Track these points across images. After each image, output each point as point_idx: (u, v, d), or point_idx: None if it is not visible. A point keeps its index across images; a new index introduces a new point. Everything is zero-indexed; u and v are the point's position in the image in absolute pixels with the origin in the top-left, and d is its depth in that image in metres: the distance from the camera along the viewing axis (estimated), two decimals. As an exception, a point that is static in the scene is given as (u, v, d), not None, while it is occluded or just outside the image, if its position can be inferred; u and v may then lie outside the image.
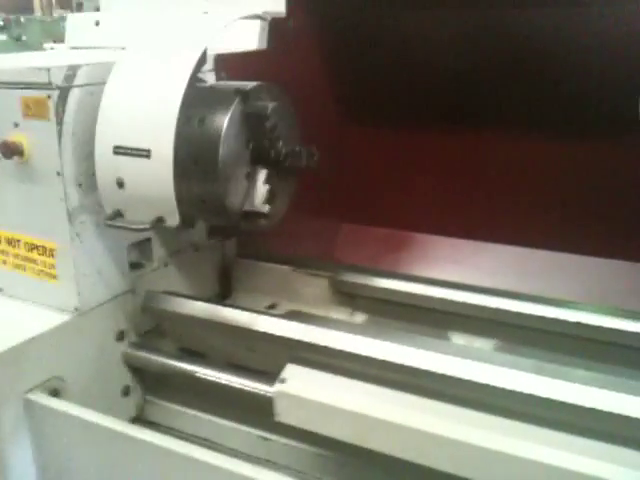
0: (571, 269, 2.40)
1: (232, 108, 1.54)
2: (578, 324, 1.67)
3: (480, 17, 2.22)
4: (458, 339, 1.84)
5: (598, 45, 2.08)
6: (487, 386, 1.35)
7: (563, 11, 2.09)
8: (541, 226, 2.44)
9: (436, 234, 2.67)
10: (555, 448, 1.26)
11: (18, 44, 12.49)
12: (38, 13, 18.08)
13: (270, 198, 1.65)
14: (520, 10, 2.15)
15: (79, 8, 12.65)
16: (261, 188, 1.64)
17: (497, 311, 1.75)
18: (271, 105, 1.57)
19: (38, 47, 11.32)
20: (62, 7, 15.32)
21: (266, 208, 1.64)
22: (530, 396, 1.30)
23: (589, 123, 2.23)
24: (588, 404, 1.26)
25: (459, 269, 2.50)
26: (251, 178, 1.64)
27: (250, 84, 1.58)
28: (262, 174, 1.64)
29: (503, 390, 1.33)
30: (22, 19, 12.95)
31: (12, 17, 12.95)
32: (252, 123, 1.58)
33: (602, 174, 2.33)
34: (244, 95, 1.55)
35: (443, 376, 1.40)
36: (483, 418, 1.36)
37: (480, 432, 1.32)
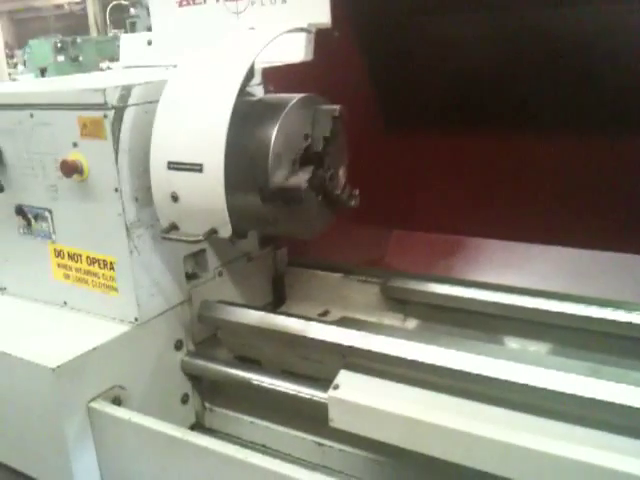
0: (625, 269, 2.34)
1: (280, 120, 1.57)
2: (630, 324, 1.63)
3: (514, 18, 2.21)
4: (512, 343, 1.82)
5: (623, 45, 2.04)
6: (541, 390, 1.34)
7: (597, 9, 2.07)
8: (593, 227, 2.39)
9: (486, 237, 2.65)
10: (615, 452, 1.24)
11: (75, 64, 12.94)
12: (94, 34, 18.70)
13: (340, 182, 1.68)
14: (546, 10, 2.14)
15: (132, 27, 13.06)
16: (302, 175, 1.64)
17: (550, 314, 1.73)
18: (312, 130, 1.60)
19: (94, 66, 11.71)
20: (116, 27, 15.80)
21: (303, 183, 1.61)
22: (587, 399, 1.28)
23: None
24: (647, 407, 1.24)
25: (511, 272, 2.47)
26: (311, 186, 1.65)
27: (291, 100, 1.60)
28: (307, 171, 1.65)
29: (558, 393, 1.32)
30: (78, 40, 13.42)
31: (69, 38, 13.43)
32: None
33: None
34: (281, 125, 1.57)
35: (496, 380, 1.40)
36: (537, 422, 1.35)
37: (534, 436, 1.31)
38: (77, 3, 21.43)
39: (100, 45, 13.41)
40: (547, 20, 2.20)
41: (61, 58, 13.06)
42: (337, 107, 1.62)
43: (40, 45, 13.51)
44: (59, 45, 13.04)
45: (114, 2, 15.43)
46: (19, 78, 12.87)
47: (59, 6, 22.37)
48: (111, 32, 15.21)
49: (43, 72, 12.71)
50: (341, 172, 1.72)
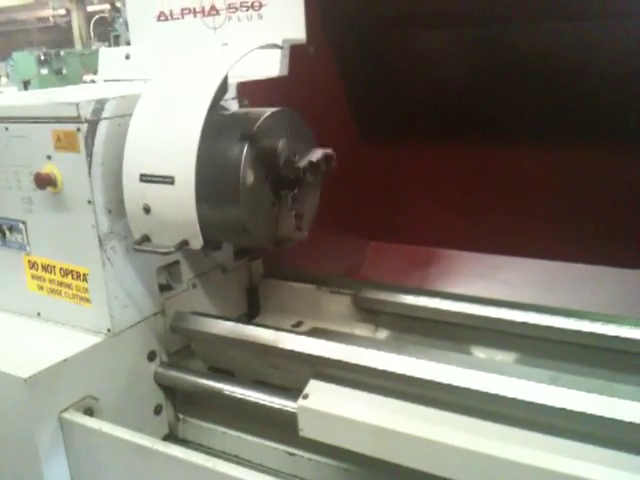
0: (595, 280, 2.39)
1: (252, 134, 1.60)
2: (593, 334, 1.68)
3: (492, 34, 2.26)
4: (480, 353, 1.86)
5: (613, 57, 2.10)
6: (504, 397, 1.37)
7: (575, 25, 2.12)
8: (565, 238, 2.44)
9: (461, 249, 2.70)
10: (575, 458, 1.28)
11: (59, 77, 12.93)
12: (78, 46, 18.70)
13: (298, 221, 1.71)
14: (533, 25, 2.19)
15: (116, 41, 13.09)
16: (289, 217, 1.70)
17: (516, 324, 1.76)
18: (280, 143, 1.59)
19: (78, 79, 11.71)
20: (100, 40, 15.82)
21: (297, 235, 1.70)
22: (545, 407, 1.32)
23: (620, 134, 2.24)
24: (605, 414, 1.27)
25: (485, 284, 2.51)
26: (277, 205, 1.70)
27: (263, 114, 1.63)
28: (288, 201, 1.69)
29: (520, 401, 1.35)
30: (62, 53, 13.42)
31: (52, 51, 13.43)
32: (265, 161, 1.62)
33: (631, 185, 2.33)
34: (251, 138, 1.59)
35: (463, 389, 1.42)
36: (503, 430, 1.38)
37: (500, 444, 1.34)
38: (62, 16, 21.43)
39: (84, 58, 13.41)
40: (528, 35, 2.26)
41: (45, 71, 13.05)
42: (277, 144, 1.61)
43: (24, 58, 13.49)
44: (43, 58, 13.03)
45: (98, 15, 15.47)
46: (2, 90, 12.83)
47: (43, 19, 22.36)
48: (95, 45, 15.22)
49: (26, 85, 12.69)
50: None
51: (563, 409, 1.30)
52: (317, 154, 1.69)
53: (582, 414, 1.28)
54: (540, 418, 1.34)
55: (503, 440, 1.35)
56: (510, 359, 1.81)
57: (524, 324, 1.75)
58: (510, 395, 1.35)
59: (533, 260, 2.57)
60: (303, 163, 1.66)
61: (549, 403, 1.32)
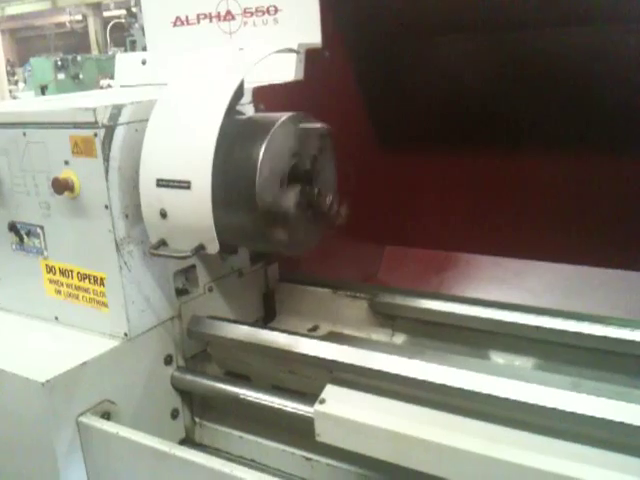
0: (617, 285, 2.37)
1: (268, 138, 1.59)
2: (615, 340, 1.65)
3: (509, 40, 2.25)
4: (498, 358, 1.84)
5: (620, 64, 2.08)
6: (524, 403, 1.35)
7: (593, 30, 2.10)
8: (585, 243, 2.42)
9: (479, 253, 2.68)
10: (598, 467, 1.26)
11: (75, 82, 13.06)
12: (95, 52, 18.88)
13: (328, 200, 1.70)
14: (550, 31, 2.17)
15: (132, 46, 13.19)
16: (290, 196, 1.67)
17: (533, 328, 1.75)
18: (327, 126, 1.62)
19: (94, 84, 11.81)
20: (117, 45, 15.95)
21: (337, 212, 1.69)
22: (569, 413, 1.30)
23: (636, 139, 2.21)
24: (626, 420, 1.26)
25: (503, 288, 2.50)
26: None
27: (279, 119, 1.62)
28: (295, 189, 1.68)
29: (540, 407, 1.33)
30: (79, 58, 13.56)
31: (69, 56, 13.56)
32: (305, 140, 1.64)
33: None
34: (268, 143, 1.58)
35: (481, 395, 1.41)
36: (523, 437, 1.36)
37: (521, 452, 1.33)
38: (78, 22, 21.64)
39: (100, 63, 13.54)
40: (543, 40, 2.24)
41: (61, 76, 13.18)
42: (323, 125, 1.65)
43: (41, 63, 13.65)
44: (59, 63, 13.16)
45: (114, 20, 15.59)
46: (19, 95, 12.98)
47: (60, 24, 22.58)
48: (111, 50, 15.35)
49: (43, 90, 12.82)
50: (329, 189, 1.75)
51: (588, 416, 1.28)
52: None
53: (606, 421, 1.26)
54: (563, 425, 1.32)
55: (524, 447, 1.33)
56: (529, 364, 1.79)
57: (543, 329, 1.73)
58: (532, 402, 1.33)
59: (552, 265, 2.55)
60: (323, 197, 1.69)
61: (573, 410, 1.30)
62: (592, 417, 1.28)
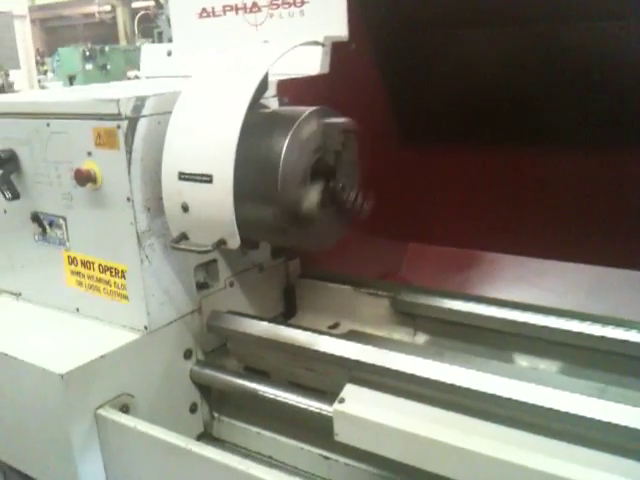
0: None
1: (291, 132, 1.57)
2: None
3: (536, 33, 2.20)
4: (522, 361, 1.80)
5: None
6: (547, 409, 1.32)
7: (622, 25, 2.05)
8: (611, 243, 2.36)
9: (502, 252, 2.63)
10: (622, 475, 1.22)
11: (103, 73, 13.16)
12: (123, 42, 19.02)
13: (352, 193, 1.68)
14: (579, 24, 2.12)
15: (160, 37, 13.25)
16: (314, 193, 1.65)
17: (560, 332, 1.71)
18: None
19: (122, 75, 11.89)
20: (144, 36, 16.04)
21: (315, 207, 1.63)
22: (591, 420, 1.27)
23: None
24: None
25: (527, 289, 2.45)
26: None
27: (302, 113, 1.59)
28: (318, 185, 1.66)
29: (563, 413, 1.30)
30: (106, 48, 13.66)
31: (97, 47, 13.67)
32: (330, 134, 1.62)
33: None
34: (291, 137, 1.56)
35: (502, 399, 1.38)
36: (546, 444, 1.33)
37: (544, 458, 1.29)
38: (107, 12, 21.80)
39: (128, 54, 13.62)
40: (566, 35, 2.19)
41: (89, 66, 13.29)
42: (347, 120, 1.62)
43: (69, 53, 13.77)
44: (88, 53, 13.27)
45: (142, 11, 15.67)
46: (48, 85, 13.11)
47: (89, 15, 22.76)
48: (139, 41, 15.44)
49: (72, 80, 12.93)
50: (352, 184, 1.72)
51: (614, 424, 1.24)
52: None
53: (633, 430, 1.22)
54: (587, 432, 1.29)
55: (547, 454, 1.30)
56: (553, 368, 1.75)
57: (568, 332, 1.69)
58: (556, 407, 1.30)
59: (578, 265, 2.49)
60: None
61: (599, 417, 1.26)
62: (617, 425, 1.24)
